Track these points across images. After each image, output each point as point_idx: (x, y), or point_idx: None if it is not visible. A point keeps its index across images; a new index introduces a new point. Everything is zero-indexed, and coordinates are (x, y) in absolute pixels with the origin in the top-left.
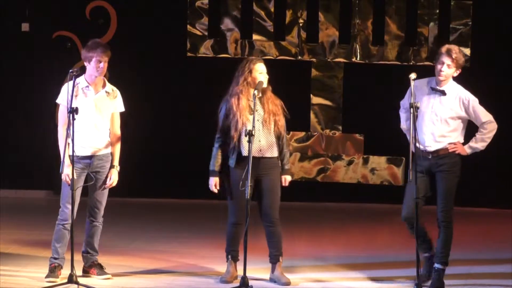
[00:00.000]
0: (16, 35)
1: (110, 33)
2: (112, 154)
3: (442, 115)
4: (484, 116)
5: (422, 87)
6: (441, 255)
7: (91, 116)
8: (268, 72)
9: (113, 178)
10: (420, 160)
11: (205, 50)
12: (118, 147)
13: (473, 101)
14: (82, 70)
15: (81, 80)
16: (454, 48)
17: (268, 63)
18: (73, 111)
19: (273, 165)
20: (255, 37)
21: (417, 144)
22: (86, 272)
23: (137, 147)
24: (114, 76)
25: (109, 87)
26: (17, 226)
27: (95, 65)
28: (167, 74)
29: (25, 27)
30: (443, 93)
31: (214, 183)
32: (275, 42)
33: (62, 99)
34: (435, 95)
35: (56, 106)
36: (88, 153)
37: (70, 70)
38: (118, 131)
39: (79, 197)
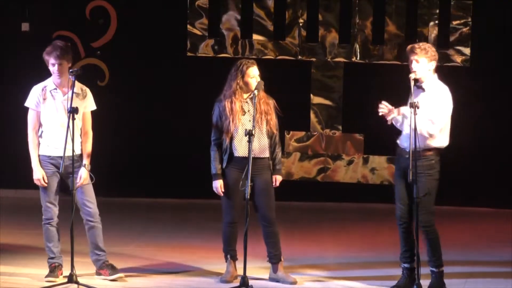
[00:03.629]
0: (16, 35)
1: (110, 33)
2: (81, 152)
3: (423, 111)
4: (434, 115)
5: (414, 88)
6: (434, 259)
7: (60, 118)
8: (268, 72)
9: (83, 177)
10: (402, 160)
11: (205, 50)
12: (88, 145)
13: (442, 99)
14: (83, 70)
15: (48, 83)
16: (418, 44)
17: (268, 63)
18: (73, 111)
19: (265, 166)
20: (255, 37)
21: (400, 143)
22: (99, 274)
23: (137, 147)
24: (114, 76)
25: (78, 87)
26: (17, 226)
27: (51, 68)
28: (167, 74)
29: (25, 27)
30: (422, 89)
31: (219, 185)
32: (275, 42)
33: (30, 103)
34: (417, 93)
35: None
36: (60, 154)
37: (71, 70)
38: (89, 130)
39: (57, 196)
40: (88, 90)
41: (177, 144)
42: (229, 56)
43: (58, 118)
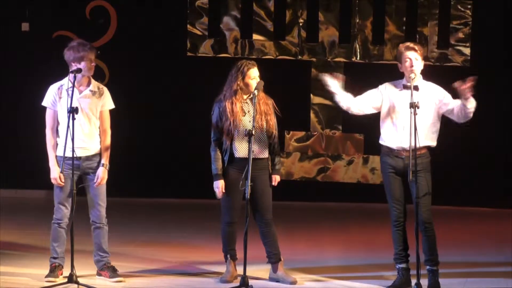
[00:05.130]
0: (16, 35)
1: (110, 33)
2: (101, 152)
3: (420, 110)
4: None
5: (391, 89)
6: (431, 257)
7: (76, 117)
8: (268, 72)
9: (101, 177)
10: (392, 160)
11: (205, 50)
12: (107, 144)
13: (445, 91)
14: (82, 70)
15: (65, 82)
16: (411, 43)
17: (268, 63)
18: (73, 110)
19: (264, 166)
20: (255, 37)
21: (387, 144)
22: (99, 275)
23: (137, 147)
24: (114, 76)
25: (94, 85)
26: (17, 226)
27: (88, 64)
28: (167, 74)
29: (25, 27)
30: (416, 88)
31: (220, 185)
32: (275, 42)
33: (47, 102)
34: (408, 92)
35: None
36: (77, 154)
37: (70, 70)
38: (107, 129)
39: (70, 198)
40: (105, 89)
41: (177, 144)
42: (229, 56)
43: (75, 117)
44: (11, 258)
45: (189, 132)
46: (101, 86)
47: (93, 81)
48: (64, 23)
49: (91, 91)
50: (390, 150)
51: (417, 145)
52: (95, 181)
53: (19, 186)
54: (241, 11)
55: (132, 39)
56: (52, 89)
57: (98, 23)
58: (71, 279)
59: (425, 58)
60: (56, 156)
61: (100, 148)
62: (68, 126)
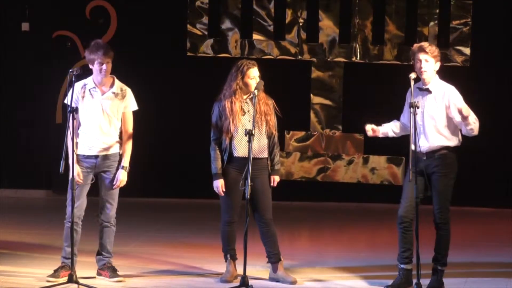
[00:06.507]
0: (16, 35)
1: (110, 33)
2: (121, 154)
3: (431, 113)
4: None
5: (415, 90)
6: (439, 256)
7: (97, 117)
8: (268, 72)
9: (120, 179)
10: (417, 161)
11: (205, 49)
12: (129, 146)
13: (460, 98)
14: (83, 70)
15: (89, 82)
16: (425, 43)
17: (268, 63)
18: (73, 110)
19: (263, 166)
20: (255, 36)
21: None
22: (99, 275)
23: (137, 147)
24: (114, 76)
25: (117, 87)
26: (17, 226)
27: (98, 67)
28: (167, 74)
29: (25, 27)
30: (428, 91)
31: (220, 185)
32: (275, 42)
33: (69, 100)
34: (423, 95)
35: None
36: (94, 153)
37: (70, 70)
38: (130, 130)
39: (85, 197)
40: (128, 90)
41: (177, 144)
42: (229, 56)
43: (96, 117)
44: (11, 258)
45: (189, 132)
46: (124, 87)
47: (116, 82)
48: (64, 23)
49: (113, 93)
50: (418, 152)
51: (425, 145)
52: (114, 182)
53: (19, 186)
54: (241, 11)
55: (132, 39)
56: (75, 88)
57: (98, 23)
58: (71, 279)
59: (438, 59)
60: (77, 155)
61: (121, 149)
62: (67, 126)
